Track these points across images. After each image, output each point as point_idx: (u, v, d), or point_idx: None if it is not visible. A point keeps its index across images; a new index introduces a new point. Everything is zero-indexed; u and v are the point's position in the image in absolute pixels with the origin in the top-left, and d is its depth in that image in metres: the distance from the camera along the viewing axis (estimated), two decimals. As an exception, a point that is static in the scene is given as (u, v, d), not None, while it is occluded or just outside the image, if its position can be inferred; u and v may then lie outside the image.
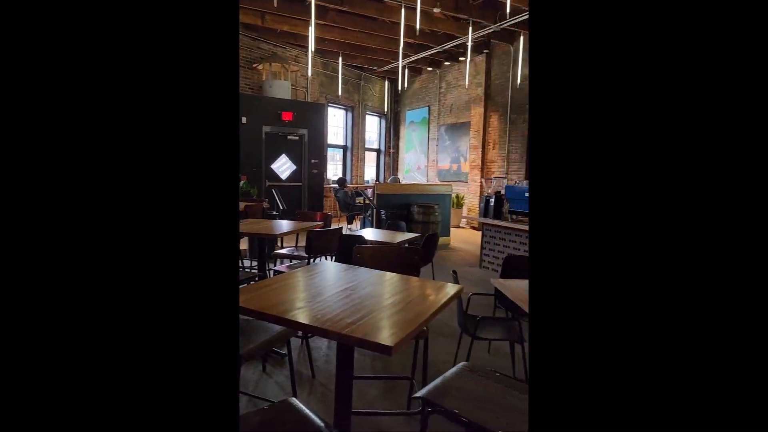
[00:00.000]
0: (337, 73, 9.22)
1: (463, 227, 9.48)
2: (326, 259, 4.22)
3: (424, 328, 2.02)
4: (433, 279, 4.26)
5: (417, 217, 6.64)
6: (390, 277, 2.02)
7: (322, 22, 7.40)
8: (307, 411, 1.39)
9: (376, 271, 2.12)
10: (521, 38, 7.37)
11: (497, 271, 5.25)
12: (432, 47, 8.71)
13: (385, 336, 1.25)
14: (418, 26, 5.59)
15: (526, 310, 2.09)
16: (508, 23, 7.04)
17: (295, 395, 2.26)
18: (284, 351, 2.75)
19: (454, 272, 2.43)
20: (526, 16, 6.74)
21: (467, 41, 7.12)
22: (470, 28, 6.95)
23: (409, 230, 5.95)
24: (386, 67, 10.33)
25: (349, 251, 2.59)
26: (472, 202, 9.36)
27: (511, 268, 3.08)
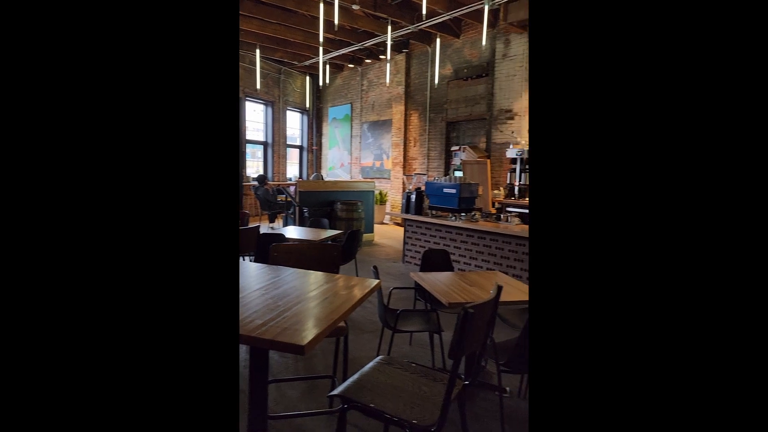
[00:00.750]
0: (255, 65, 8.87)
1: (386, 223, 9.63)
2: (244, 259, 4.04)
3: (343, 324, 2.01)
4: (357, 275, 4.28)
5: (340, 215, 6.61)
6: (308, 275, 1.98)
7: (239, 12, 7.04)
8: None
9: (294, 269, 2.06)
10: (437, 40, 7.63)
11: (419, 265, 5.40)
12: (353, 44, 8.70)
13: (298, 336, 1.22)
14: (336, 21, 5.55)
15: (443, 301, 2.17)
16: (425, 25, 7.25)
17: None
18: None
19: (375, 268, 2.45)
20: (442, 19, 6.99)
21: (387, 40, 7.22)
22: (389, 28, 7.05)
23: (333, 227, 5.91)
24: (307, 62, 10.14)
25: (269, 250, 2.50)
26: (395, 198, 9.53)
27: (429, 262, 3.18)
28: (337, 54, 9.17)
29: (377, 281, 1.92)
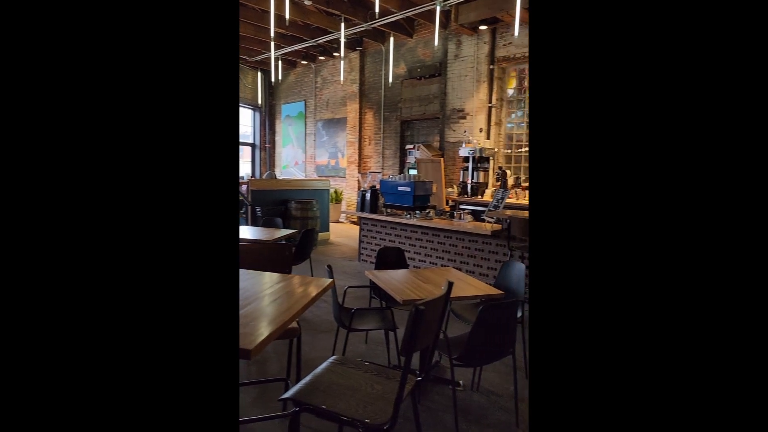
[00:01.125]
0: (203, 60, 8.50)
1: (342, 222, 9.57)
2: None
3: (295, 325, 1.97)
4: (312, 275, 4.22)
5: (295, 214, 6.50)
6: (260, 276, 1.92)
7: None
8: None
9: (246, 271, 2.00)
10: (391, 39, 7.67)
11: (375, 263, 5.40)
12: (306, 40, 8.56)
13: (246, 339, 1.18)
14: (287, 16, 5.43)
15: (397, 299, 2.18)
16: (378, 23, 7.26)
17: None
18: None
19: (329, 267, 2.42)
20: (395, 18, 7.03)
21: (340, 37, 7.16)
22: (342, 25, 7.00)
23: (287, 227, 5.78)
24: (258, 57, 9.87)
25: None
26: (350, 197, 9.50)
27: (385, 260, 3.19)
28: (290, 50, 8.99)
29: (330, 280, 1.90)
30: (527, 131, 6.79)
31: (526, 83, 6.81)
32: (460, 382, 2.54)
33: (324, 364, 1.64)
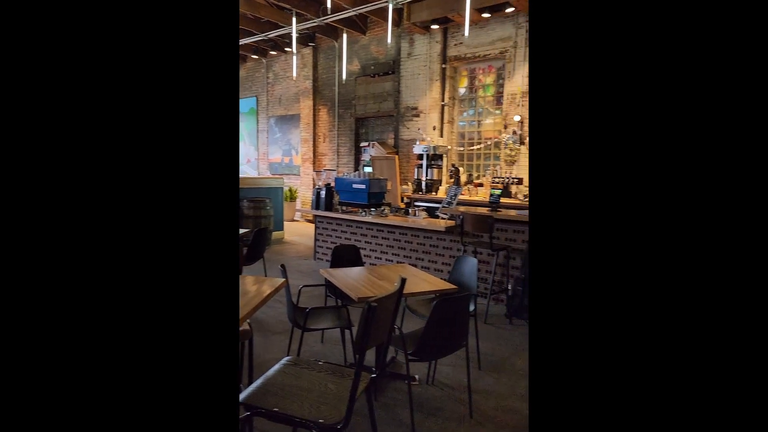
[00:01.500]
0: (145, 52, 8.06)
1: (297, 220, 9.42)
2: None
3: (246, 327, 1.91)
4: (265, 275, 4.11)
5: (247, 213, 6.31)
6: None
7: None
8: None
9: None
10: (344, 35, 7.61)
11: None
12: (256, 34, 8.32)
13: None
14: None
15: (353, 296, 2.17)
16: (331, 19, 7.19)
17: None
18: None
19: (282, 266, 2.37)
20: (347, 14, 6.98)
21: (292, 32, 7.01)
22: (294, 19, 6.86)
23: (240, 226, 5.61)
24: (206, 51, 9.47)
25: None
26: (305, 195, 9.35)
27: (340, 258, 3.17)
28: (240, 43, 8.70)
29: (282, 280, 1.86)
30: (478, 129, 6.98)
31: (477, 82, 6.99)
32: (416, 376, 2.57)
33: (276, 366, 1.60)
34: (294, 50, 7.44)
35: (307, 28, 7.76)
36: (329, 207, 5.37)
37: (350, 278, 2.48)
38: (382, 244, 4.99)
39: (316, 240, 5.73)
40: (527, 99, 6.16)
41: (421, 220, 4.64)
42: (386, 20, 6.20)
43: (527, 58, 6.12)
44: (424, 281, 2.44)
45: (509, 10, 5.95)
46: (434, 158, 6.68)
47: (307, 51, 9.03)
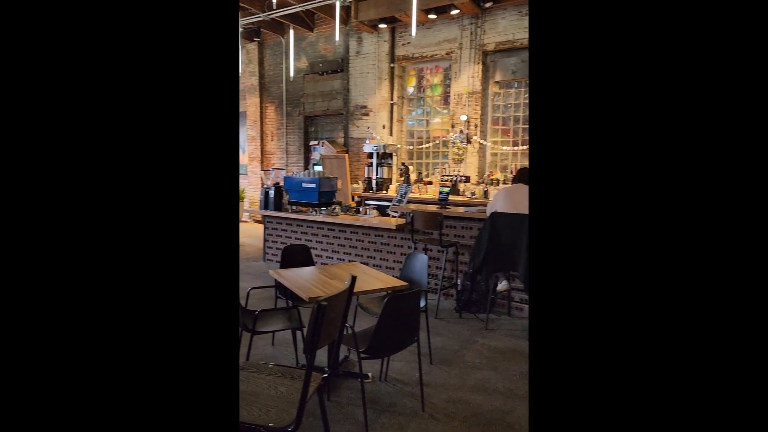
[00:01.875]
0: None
1: (246, 221, 9.13)
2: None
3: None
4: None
5: (191, 214, 6.03)
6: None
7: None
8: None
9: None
10: (291, 32, 7.46)
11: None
12: (197, 28, 7.96)
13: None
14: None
15: (303, 297, 2.13)
16: (277, 14, 7.02)
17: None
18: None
19: (227, 269, 2.28)
20: (294, 10, 6.85)
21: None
22: (238, 13, 6.63)
23: (182, 229, 5.35)
24: (143, 44, 8.94)
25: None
26: (254, 195, 9.09)
27: (290, 258, 3.10)
28: (180, 37, 8.29)
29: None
30: (427, 128, 7.11)
31: (425, 82, 7.11)
32: (369, 374, 2.58)
33: (224, 372, 1.55)
34: (239, 45, 7.19)
35: (253, 23, 7.54)
36: (279, 207, 5.25)
37: (301, 278, 2.44)
38: (333, 244, 4.95)
39: (265, 241, 5.59)
40: (473, 99, 6.36)
41: (372, 218, 4.66)
42: (334, 17, 6.15)
43: (472, 60, 6.31)
44: (375, 279, 2.45)
45: (454, 12, 6.10)
46: (384, 157, 6.72)
47: (253, 47, 8.77)
